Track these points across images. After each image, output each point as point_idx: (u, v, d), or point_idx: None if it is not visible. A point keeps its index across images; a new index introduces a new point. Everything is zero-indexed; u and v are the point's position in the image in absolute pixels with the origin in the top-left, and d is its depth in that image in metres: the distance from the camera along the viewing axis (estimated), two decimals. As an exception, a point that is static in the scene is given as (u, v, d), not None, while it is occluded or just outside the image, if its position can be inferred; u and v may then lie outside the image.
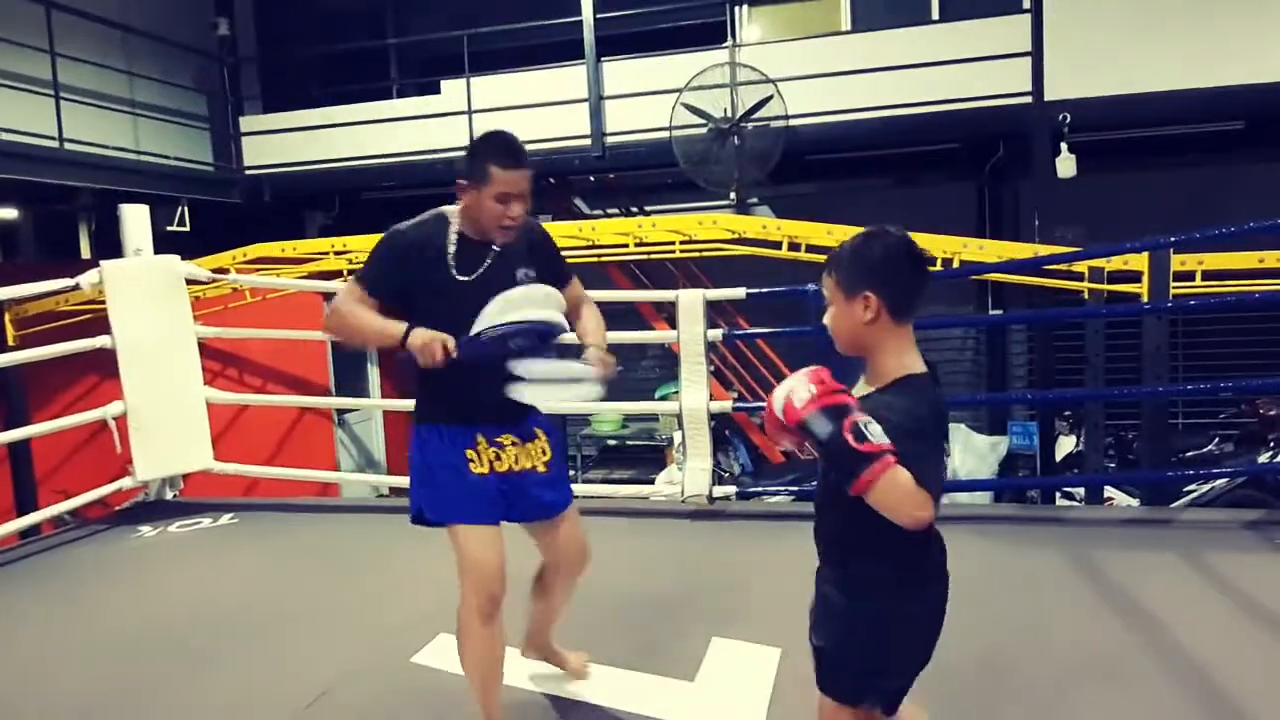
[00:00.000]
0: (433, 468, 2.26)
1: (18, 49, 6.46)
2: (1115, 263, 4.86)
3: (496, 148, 2.16)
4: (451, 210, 2.27)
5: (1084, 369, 5.58)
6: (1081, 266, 6.05)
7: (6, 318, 6.55)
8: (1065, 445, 7.70)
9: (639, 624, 3.20)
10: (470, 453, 2.24)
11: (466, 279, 2.21)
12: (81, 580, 4.00)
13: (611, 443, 9.82)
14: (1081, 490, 6.48)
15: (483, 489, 2.24)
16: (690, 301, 4.49)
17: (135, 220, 5.71)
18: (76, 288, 4.80)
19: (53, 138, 6.44)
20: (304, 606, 3.49)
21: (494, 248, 2.25)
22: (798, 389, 1.51)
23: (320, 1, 9.23)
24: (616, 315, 4.74)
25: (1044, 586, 3.47)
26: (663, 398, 9.61)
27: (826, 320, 1.69)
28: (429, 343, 2.08)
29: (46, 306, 6.75)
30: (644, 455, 9.64)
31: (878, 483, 1.46)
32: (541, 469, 2.34)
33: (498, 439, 2.27)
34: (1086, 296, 5.41)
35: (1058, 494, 6.63)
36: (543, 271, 2.32)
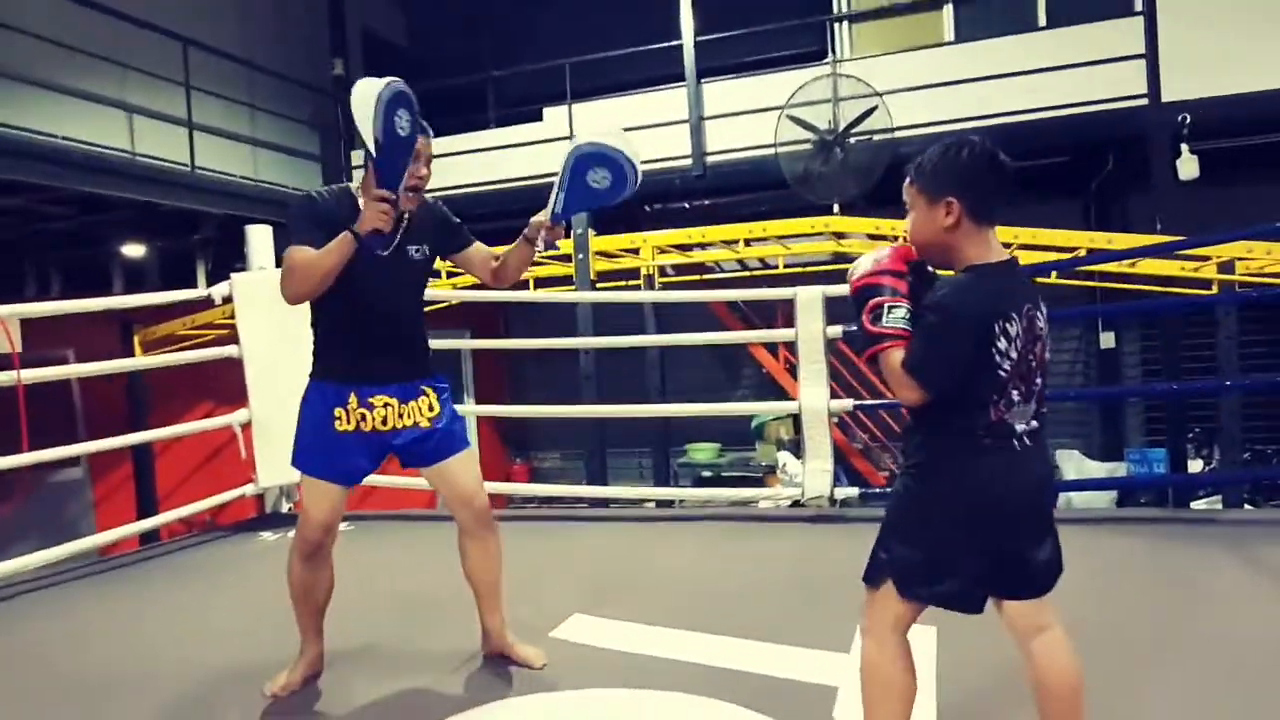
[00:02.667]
0: (304, 422, 2.46)
1: (152, 81, 6.86)
2: (1257, 251, 4.61)
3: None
4: (355, 186, 2.44)
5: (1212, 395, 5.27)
6: (1209, 272, 5.80)
7: (136, 339, 6.88)
8: (1193, 469, 7.29)
9: (784, 608, 3.11)
10: (339, 410, 2.41)
11: (383, 253, 2.38)
12: (209, 573, 4.06)
13: (706, 474, 9.70)
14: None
15: (339, 447, 2.42)
16: (809, 299, 4.42)
17: (259, 240, 5.94)
18: (209, 298, 4.98)
19: (185, 164, 6.79)
20: (437, 596, 3.46)
21: (402, 223, 2.41)
22: (864, 261, 1.76)
23: (424, 41, 9.62)
24: (703, 326, 4.69)
25: (1204, 580, 3.25)
26: (758, 427, 9.50)
27: (907, 226, 1.78)
28: (374, 215, 2.21)
29: (172, 330, 7.07)
30: (740, 486, 9.49)
31: (880, 360, 1.70)
32: (425, 424, 2.49)
33: (369, 399, 2.42)
34: (1215, 289, 5.14)
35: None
36: (441, 240, 2.56)
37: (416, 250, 2.47)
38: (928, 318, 1.67)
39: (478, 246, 2.64)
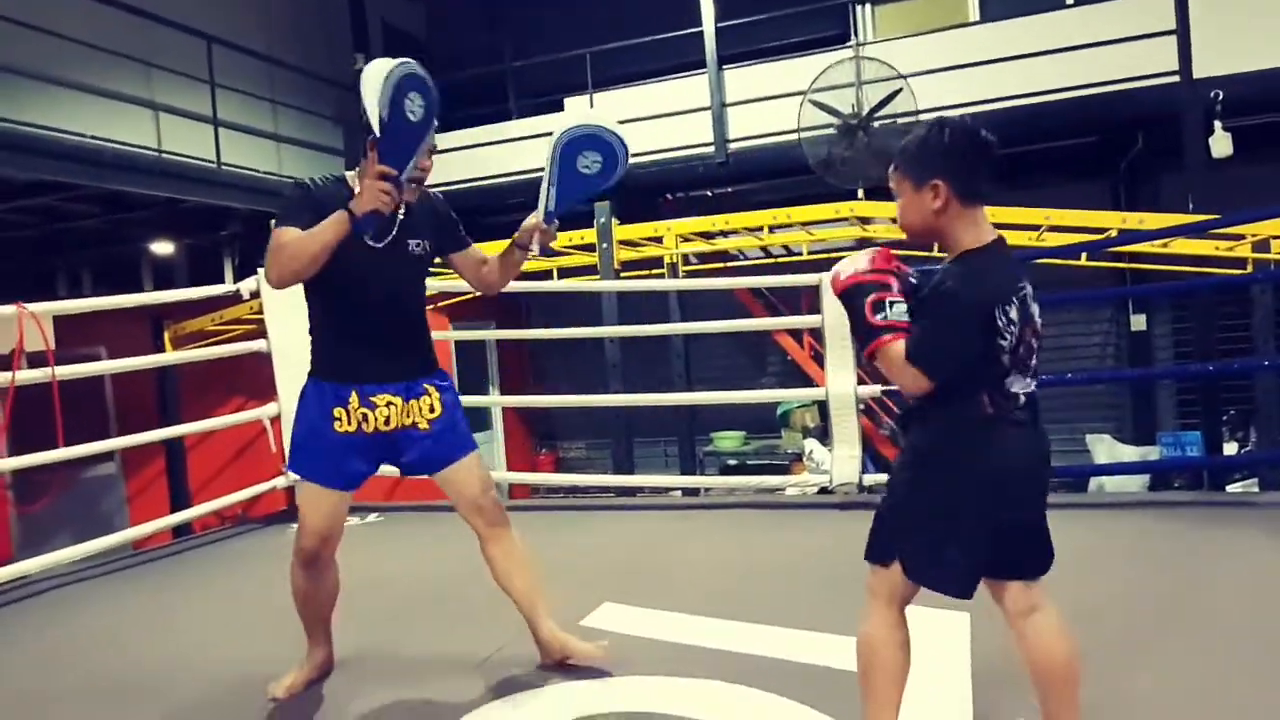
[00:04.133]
0: (300, 423, 2.38)
1: (178, 79, 6.92)
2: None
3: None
4: (351, 175, 2.34)
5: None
6: (1244, 251, 5.70)
7: (166, 335, 6.97)
8: (1228, 452, 7.17)
9: (815, 595, 3.10)
10: (339, 410, 2.32)
11: (378, 245, 2.30)
12: (241, 566, 4.13)
13: (732, 462, 9.68)
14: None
15: (338, 449, 2.33)
16: (834, 283, 4.39)
17: (285, 235, 5.97)
18: (237, 293, 5.02)
19: (211, 161, 6.85)
20: (467, 585, 3.45)
21: (400, 216, 2.33)
22: (856, 260, 1.73)
23: (444, 33, 9.61)
24: (728, 314, 4.66)
25: (1242, 562, 3.20)
26: (784, 414, 9.46)
27: (897, 212, 1.78)
28: (373, 194, 2.12)
29: (201, 325, 7.14)
30: (766, 474, 9.46)
31: (879, 354, 1.69)
32: (424, 425, 2.39)
33: (371, 398, 2.32)
34: (1250, 269, 5.04)
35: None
36: (441, 239, 2.46)
37: (417, 245, 2.39)
38: (932, 307, 1.68)
39: (471, 250, 2.55)
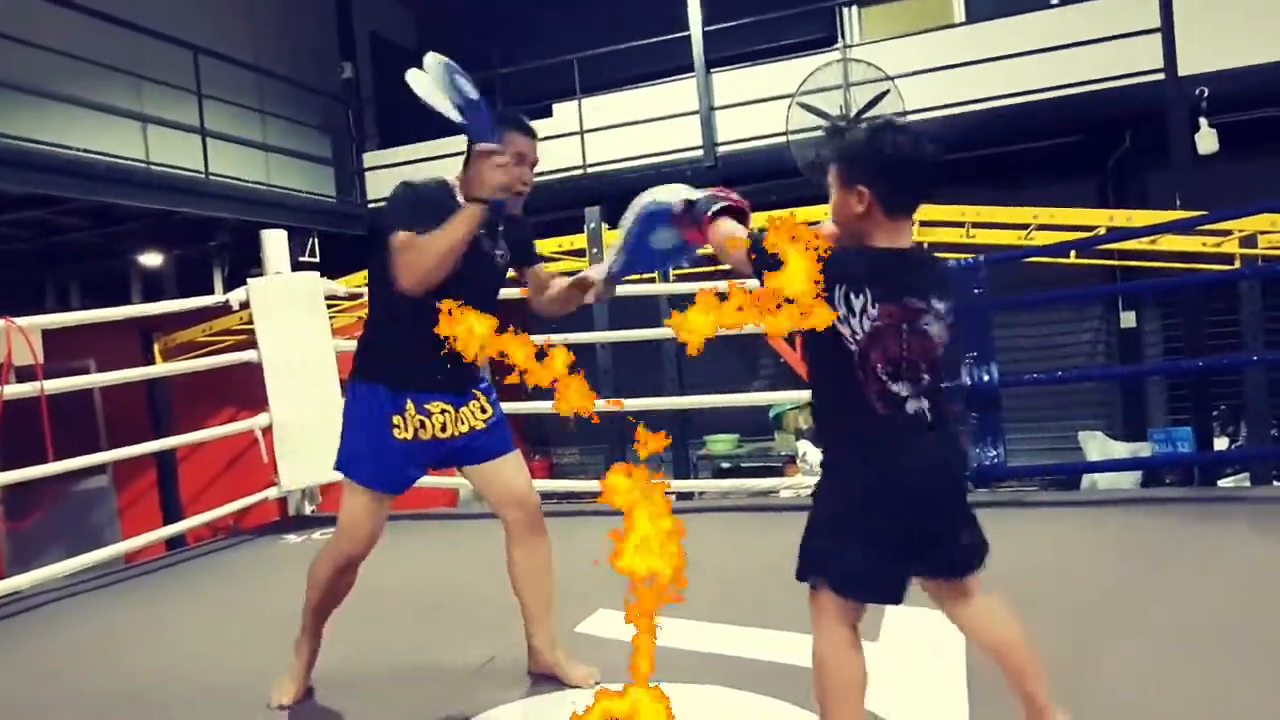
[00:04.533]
0: (356, 425, 2.36)
1: (166, 90, 6.91)
2: (1281, 225, 4.55)
3: (512, 118, 2.34)
4: (452, 178, 2.34)
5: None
6: (1232, 247, 5.73)
7: (156, 347, 6.95)
8: (1219, 447, 7.20)
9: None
10: (397, 418, 2.32)
11: (483, 251, 2.31)
12: (234, 577, 4.10)
13: (726, 465, 9.69)
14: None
15: (396, 455, 2.34)
16: (824, 285, 4.39)
17: (275, 245, 5.95)
18: (227, 304, 5.01)
19: (199, 172, 6.84)
20: (460, 594, 3.47)
21: (499, 226, 2.36)
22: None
23: (432, 41, 9.61)
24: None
25: (1231, 558, 3.21)
26: (777, 417, 9.47)
27: (829, 205, 1.79)
28: (493, 172, 2.14)
29: (191, 337, 7.13)
30: (760, 476, 9.46)
31: (724, 217, 1.84)
32: (480, 426, 2.43)
33: (426, 406, 2.33)
34: (1238, 264, 5.07)
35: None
36: (519, 250, 2.48)
37: (502, 255, 2.40)
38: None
39: (538, 269, 2.57)
